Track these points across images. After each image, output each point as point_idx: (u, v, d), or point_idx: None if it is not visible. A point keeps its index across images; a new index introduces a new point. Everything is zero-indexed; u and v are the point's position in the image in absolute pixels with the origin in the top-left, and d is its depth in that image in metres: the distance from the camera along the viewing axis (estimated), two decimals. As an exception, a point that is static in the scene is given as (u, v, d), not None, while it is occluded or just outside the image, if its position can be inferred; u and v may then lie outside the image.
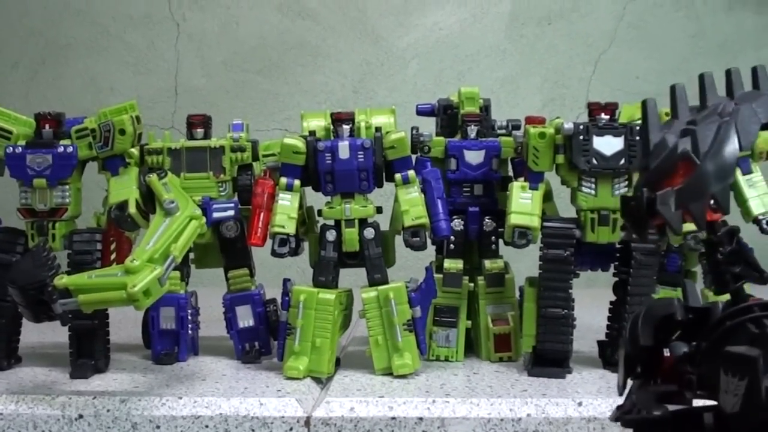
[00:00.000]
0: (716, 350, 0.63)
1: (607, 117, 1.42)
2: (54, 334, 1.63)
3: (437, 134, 1.58)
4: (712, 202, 0.66)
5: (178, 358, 1.50)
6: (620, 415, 0.70)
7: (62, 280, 1.16)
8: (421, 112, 1.63)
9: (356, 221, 1.42)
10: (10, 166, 1.43)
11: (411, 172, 1.43)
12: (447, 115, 1.59)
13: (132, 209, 1.39)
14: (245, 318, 1.52)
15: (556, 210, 1.54)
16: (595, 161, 1.38)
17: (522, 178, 1.46)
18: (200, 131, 1.51)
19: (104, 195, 1.47)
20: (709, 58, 3.00)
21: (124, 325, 1.68)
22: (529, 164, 1.43)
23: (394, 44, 3.10)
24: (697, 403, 0.68)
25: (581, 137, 1.38)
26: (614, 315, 1.46)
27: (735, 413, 0.59)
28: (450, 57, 3.08)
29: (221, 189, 1.49)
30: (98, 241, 1.42)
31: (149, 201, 1.43)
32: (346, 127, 1.43)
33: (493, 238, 1.53)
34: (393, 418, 1.19)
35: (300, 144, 1.42)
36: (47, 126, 1.45)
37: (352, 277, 1.48)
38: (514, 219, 1.40)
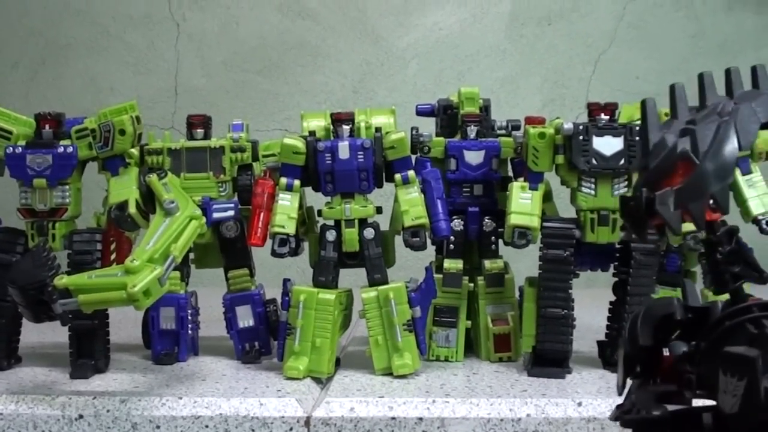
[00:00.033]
0: (715, 350, 0.63)
1: (607, 117, 1.42)
2: (54, 334, 1.63)
3: (437, 134, 1.58)
4: (711, 201, 0.66)
5: (178, 358, 1.50)
6: (619, 414, 0.70)
7: (62, 280, 1.16)
8: (420, 113, 1.63)
9: (356, 221, 1.43)
10: (10, 166, 1.43)
11: (411, 173, 1.43)
12: (447, 116, 1.59)
13: (132, 209, 1.39)
14: (245, 318, 1.52)
15: (555, 210, 1.54)
16: (594, 161, 1.38)
17: (522, 179, 1.46)
18: (200, 131, 1.51)
19: (104, 195, 1.47)
20: (708, 59, 3.00)
21: (124, 325, 1.68)
22: (529, 164, 1.43)
23: (394, 44, 3.10)
24: (697, 403, 0.68)
25: (581, 137, 1.38)
26: (614, 315, 1.46)
27: (734, 413, 0.59)
28: (450, 57, 3.09)
29: (221, 189, 1.49)
30: (98, 241, 1.42)
31: (149, 201, 1.43)
32: (346, 128, 1.43)
33: (493, 238, 1.53)
34: (393, 418, 1.19)
35: (300, 144, 1.42)
36: (47, 126, 1.45)
37: (352, 277, 1.48)
38: (513, 219, 1.40)
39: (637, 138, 1.36)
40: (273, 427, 1.20)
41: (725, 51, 3.04)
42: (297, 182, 1.43)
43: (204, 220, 1.40)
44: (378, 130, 1.43)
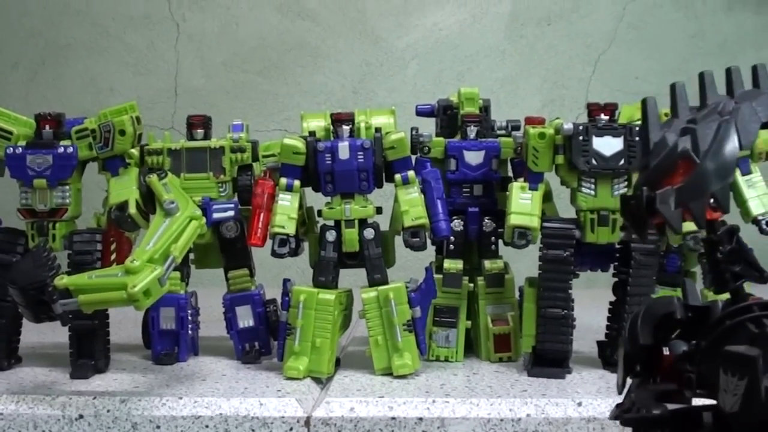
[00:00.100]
0: (716, 349, 0.63)
1: (607, 117, 1.42)
2: (54, 334, 1.63)
3: (437, 135, 1.58)
4: (711, 201, 0.66)
5: (178, 359, 1.50)
6: (619, 413, 0.70)
7: (62, 281, 1.16)
8: (420, 113, 1.63)
9: (356, 221, 1.43)
10: (11, 166, 1.43)
11: (411, 173, 1.43)
12: (447, 116, 1.59)
13: (132, 210, 1.39)
14: (245, 318, 1.52)
15: (555, 210, 1.54)
16: (594, 162, 1.38)
17: (522, 179, 1.46)
18: (200, 132, 1.51)
19: (104, 195, 1.47)
20: (708, 59, 3.00)
21: (124, 326, 1.68)
22: (529, 165, 1.43)
23: (394, 45, 3.10)
24: (697, 402, 0.68)
25: (581, 138, 1.38)
26: (614, 315, 1.46)
27: (734, 413, 0.59)
28: (450, 57, 3.09)
29: (221, 189, 1.49)
30: (98, 241, 1.42)
31: (149, 201, 1.43)
32: (345, 128, 1.43)
33: (493, 238, 1.53)
34: (393, 418, 1.19)
35: (300, 144, 1.42)
36: (47, 126, 1.45)
37: (352, 278, 1.48)
38: (513, 219, 1.40)
39: (637, 138, 1.36)
40: (273, 427, 1.20)
41: (725, 51, 3.04)
42: (297, 182, 1.43)
43: (204, 220, 1.40)
44: (378, 130, 1.43)
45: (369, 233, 1.43)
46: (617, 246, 1.43)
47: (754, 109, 0.68)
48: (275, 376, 1.39)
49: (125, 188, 1.43)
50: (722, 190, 0.65)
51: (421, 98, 1.86)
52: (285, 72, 3.10)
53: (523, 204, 1.42)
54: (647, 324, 0.69)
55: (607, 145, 1.38)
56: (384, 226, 1.48)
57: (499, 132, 1.59)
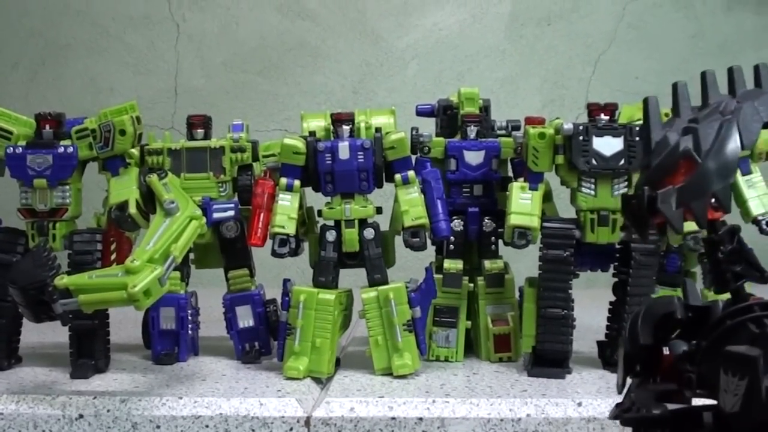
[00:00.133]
0: (716, 349, 0.63)
1: (607, 117, 1.42)
2: (54, 334, 1.63)
3: (437, 135, 1.58)
4: (713, 200, 0.66)
5: (178, 359, 1.50)
6: (619, 413, 0.70)
7: (63, 281, 1.16)
8: (420, 113, 1.63)
9: (356, 221, 1.43)
10: (11, 166, 1.43)
11: (411, 173, 1.43)
12: (447, 116, 1.59)
13: (132, 209, 1.39)
14: (245, 318, 1.52)
15: (555, 210, 1.54)
16: (594, 162, 1.38)
17: (522, 179, 1.46)
18: (200, 132, 1.51)
19: (104, 195, 1.47)
20: (708, 59, 3.00)
21: (125, 326, 1.68)
22: (529, 165, 1.43)
23: (394, 45, 3.10)
24: (697, 402, 0.68)
25: (581, 138, 1.38)
26: (614, 315, 1.46)
27: (735, 413, 0.59)
28: (449, 57, 3.09)
29: (221, 189, 1.49)
30: (98, 241, 1.42)
31: (149, 201, 1.43)
32: (346, 128, 1.43)
33: (493, 238, 1.53)
34: (393, 419, 1.19)
35: (300, 144, 1.42)
36: (47, 126, 1.45)
37: (352, 278, 1.48)
38: (513, 219, 1.40)
39: (637, 138, 1.36)
40: (273, 427, 1.20)
41: (725, 51, 3.04)
42: (297, 182, 1.43)
43: (204, 220, 1.40)
44: (378, 130, 1.43)
45: (369, 233, 1.43)
46: (617, 246, 1.43)
47: (756, 108, 0.68)
48: (275, 376, 1.39)
49: (125, 188, 1.43)
50: (724, 189, 0.65)
51: (421, 98, 1.86)
52: (285, 72, 3.10)
53: (523, 204, 1.42)
54: (647, 324, 0.69)
55: (607, 145, 1.38)
56: (384, 226, 1.48)
57: (499, 132, 1.59)
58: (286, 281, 1.43)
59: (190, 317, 1.51)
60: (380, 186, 1.45)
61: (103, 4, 3.12)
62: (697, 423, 0.66)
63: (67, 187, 1.45)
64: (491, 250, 1.53)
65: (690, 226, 0.67)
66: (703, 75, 0.73)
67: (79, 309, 1.17)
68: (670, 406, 0.67)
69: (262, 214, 1.44)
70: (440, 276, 1.49)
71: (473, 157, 1.52)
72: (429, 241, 1.45)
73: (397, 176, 1.42)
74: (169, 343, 1.50)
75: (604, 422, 1.18)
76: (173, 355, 1.50)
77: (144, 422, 1.21)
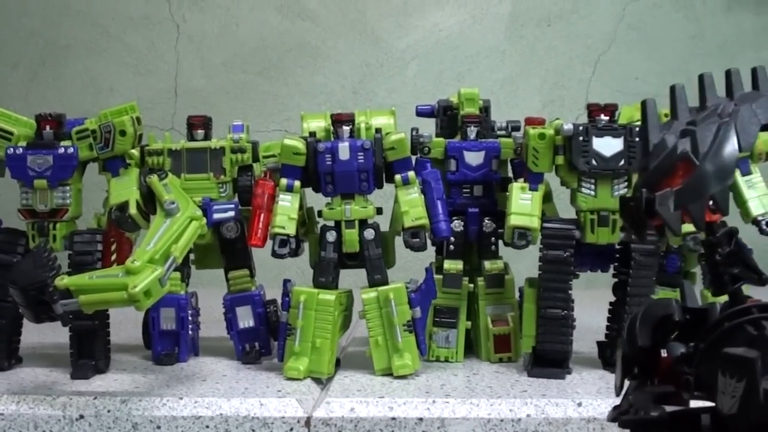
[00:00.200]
0: (714, 351, 0.63)
1: (607, 118, 1.42)
2: (54, 334, 1.63)
3: (437, 135, 1.58)
4: (711, 203, 0.66)
5: (178, 359, 1.50)
6: (617, 415, 0.70)
7: (63, 281, 1.16)
8: (420, 113, 1.63)
9: (356, 222, 1.43)
10: (11, 167, 1.43)
11: (411, 173, 1.43)
12: (447, 116, 1.59)
13: (133, 210, 1.39)
14: (245, 319, 1.52)
15: (555, 211, 1.54)
16: (594, 162, 1.38)
17: (522, 179, 1.47)
18: (200, 132, 1.51)
19: (105, 196, 1.47)
20: (708, 59, 3.00)
21: (125, 326, 1.68)
22: (529, 165, 1.43)
23: (394, 45, 3.10)
24: (695, 404, 0.68)
25: (581, 138, 1.38)
26: (614, 316, 1.46)
27: (732, 415, 0.59)
28: (449, 58, 3.09)
29: (221, 190, 1.49)
30: (99, 241, 1.42)
31: (150, 202, 1.43)
32: (346, 128, 1.43)
33: (493, 239, 1.53)
34: (393, 419, 1.19)
35: (300, 145, 1.42)
36: (48, 127, 1.45)
37: (352, 278, 1.48)
38: (513, 220, 1.41)
39: (637, 139, 1.36)
40: (273, 427, 1.20)
41: (725, 52, 3.04)
42: (297, 183, 1.43)
43: (204, 220, 1.40)
44: (378, 131, 1.43)
45: (369, 234, 1.43)
46: (617, 246, 1.44)
47: (753, 111, 0.68)
48: (275, 376, 1.39)
49: (126, 189, 1.43)
50: (721, 192, 0.65)
51: (421, 99, 1.86)
52: (285, 72, 3.10)
53: (523, 204, 1.42)
54: (645, 326, 0.69)
55: (607, 146, 1.38)
56: (384, 226, 1.48)
57: (499, 132, 1.58)
58: (286, 282, 1.43)
59: (190, 318, 1.51)
60: (380, 186, 1.45)
61: (103, 4, 3.12)
62: (695, 425, 0.66)
63: (68, 187, 1.45)
64: (491, 251, 1.53)
65: (689, 227, 0.68)
66: (701, 78, 0.73)
67: (79, 309, 1.18)
68: (668, 408, 0.67)
69: (262, 215, 1.44)
70: (440, 276, 1.49)
71: (473, 158, 1.52)
72: (429, 242, 1.45)
73: (397, 177, 1.42)
74: (169, 343, 1.51)
75: (604, 423, 1.18)
76: (173, 356, 1.50)
77: (144, 422, 1.21)
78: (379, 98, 3.04)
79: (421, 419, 1.19)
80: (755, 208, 1.40)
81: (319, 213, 1.46)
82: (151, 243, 1.25)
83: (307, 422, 1.20)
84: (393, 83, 3.08)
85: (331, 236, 1.43)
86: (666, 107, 0.76)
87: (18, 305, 1.22)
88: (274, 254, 1.40)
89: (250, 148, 1.49)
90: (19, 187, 1.45)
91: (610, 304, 1.47)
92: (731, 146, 0.66)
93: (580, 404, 1.21)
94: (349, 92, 3.08)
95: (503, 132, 1.59)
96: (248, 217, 1.48)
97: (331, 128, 1.44)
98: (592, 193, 1.40)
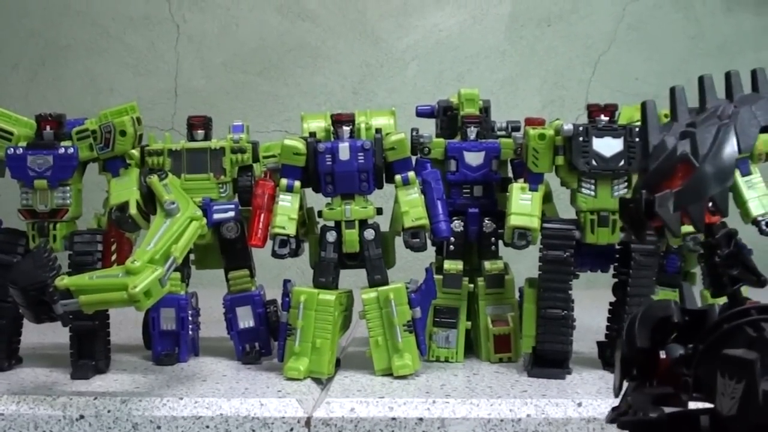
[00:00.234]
0: (713, 353, 0.64)
1: (607, 118, 1.42)
2: (55, 334, 1.63)
3: (437, 136, 1.58)
4: (710, 204, 0.66)
5: (178, 359, 1.50)
6: (616, 416, 0.70)
7: (63, 281, 1.17)
8: (420, 114, 1.63)
9: (356, 222, 1.43)
10: (11, 167, 1.43)
11: (411, 174, 1.43)
12: (447, 117, 1.59)
13: (133, 210, 1.39)
14: (245, 319, 1.52)
15: (555, 211, 1.54)
16: (594, 162, 1.38)
17: (522, 180, 1.47)
18: (200, 132, 1.52)
19: (105, 196, 1.47)
20: (708, 60, 3.00)
21: (125, 326, 1.68)
22: (529, 165, 1.43)
23: (394, 46, 3.10)
24: (694, 405, 0.68)
25: (581, 138, 1.38)
26: (614, 316, 1.46)
27: (731, 416, 0.59)
28: (449, 58, 3.09)
29: (222, 190, 1.49)
30: (99, 242, 1.42)
31: (150, 202, 1.43)
32: (346, 129, 1.43)
33: (493, 239, 1.53)
34: (393, 419, 1.20)
35: (300, 145, 1.42)
36: (48, 127, 1.45)
37: (352, 278, 1.48)
38: (513, 220, 1.41)
39: (637, 139, 1.36)
40: (273, 427, 1.20)
41: (724, 52, 3.04)
42: (297, 183, 1.43)
43: (204, 221, 1.40)
44: (378, 131, 1.43)
45: (369, 234, 1.43)
46: (617, 247, 1.44)
47: (753, 113, 0.68)
48: (276, 376, 1.39)
49: (126, 189, 1.43)
50: (721, 193, 0.65)
51: (421, 99, 1.87)
52: (285, 73, 3.10)
53: (523, 205, 1.42)
54: (644, 327, 0.70)
55: (607, 146, 1.38)
56: (384, 226, 1.48)
57: (499, 133, 1.59)
58: (286, 282, 1.43)
59: (190, 318, 1.51)
60: (380, 187, 1.45)
61: (103, 4, 3.12)
62: (693, 426, 0.66)
63: (68, 187, 1.45)
64: (491, 251, 1.53)
65: (689, 227, 0.68)
66: (701, 79, 0.73)
67: (79, 310, 1.18)
68: (667, 410, 0.67)
69: (262, 215, 1.44)
70: (440, 277, 1.49)
71: (473, 158, 1.52)
72: (429, 242, 1.45)
73: (398, 177, 1.43)
74: (169, 343, 1.51)
75: (604, 423, 1.18)
76: (174, 356, 1.50)
77: (144, 423, 1.21)
78: (379, 98, 3.04)
79: (421, 419, 1.19)
80: (755, 209, 1.40)
81: (319, 213, 1.46)
82: (151, 243, 1.25)
83: (308, 422, 1.20)
84: (393, 83, 3.08)
85: (331, 236, 1.43)
86: (666, 108, 0.76)
87: (18, 305, 1.22)
88: (274, 254, 1.40)
89: (250, 149, 1.50)
90: (19, 188, 1.45)
91: (610, 304, 1.47)
92: (731, 148, 0.66)
93: (580, 404, 1.21)
94: (349, 92, 3.08)
95: (503, 132, 1.59)
96: (248, 217, 1.48)
97: (331, 128, 1.45)
98: (592, 193, 1.40)
